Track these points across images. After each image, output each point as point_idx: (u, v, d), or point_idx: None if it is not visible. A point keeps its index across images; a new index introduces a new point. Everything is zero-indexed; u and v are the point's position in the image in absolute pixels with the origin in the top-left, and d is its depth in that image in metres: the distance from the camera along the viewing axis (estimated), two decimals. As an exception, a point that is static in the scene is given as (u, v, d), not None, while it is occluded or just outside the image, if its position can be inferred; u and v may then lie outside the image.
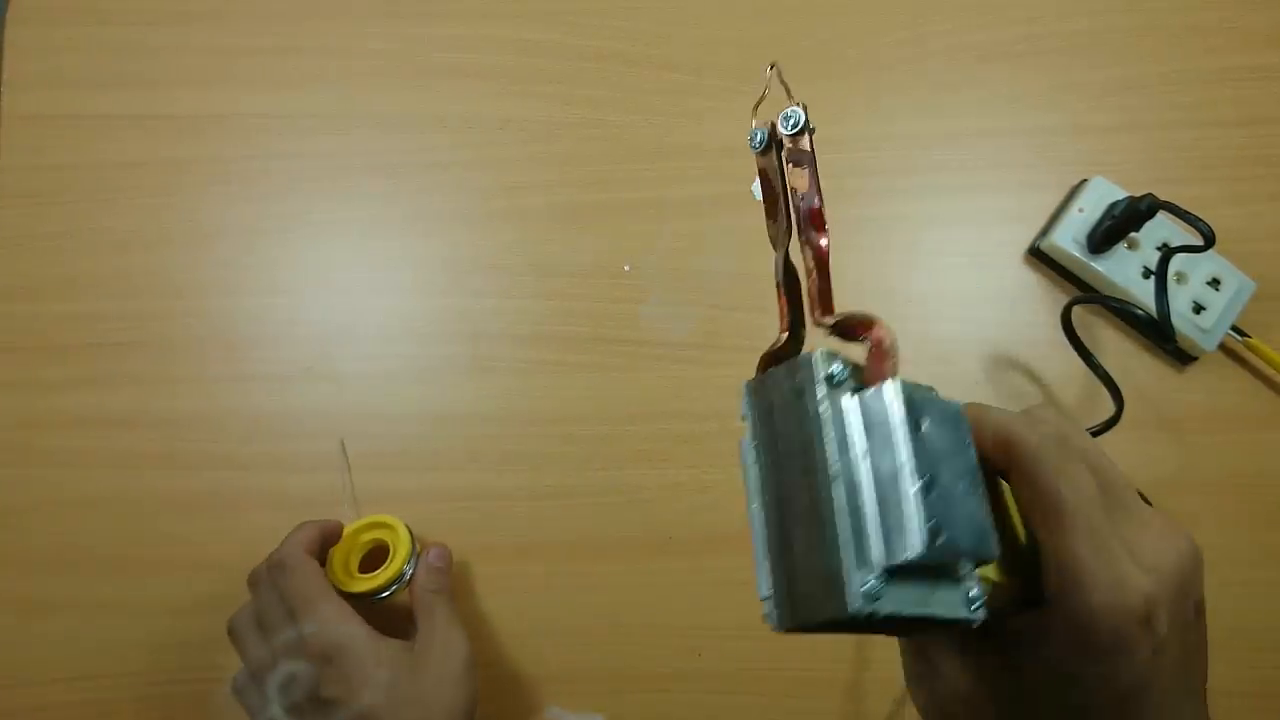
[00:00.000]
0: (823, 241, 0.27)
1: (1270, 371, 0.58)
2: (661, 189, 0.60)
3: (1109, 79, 0.62)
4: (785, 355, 0.27)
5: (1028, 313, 0.59)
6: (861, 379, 0.26)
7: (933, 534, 0.23)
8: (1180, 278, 0.58)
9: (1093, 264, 0.57)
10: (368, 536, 0.53)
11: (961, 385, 0.58)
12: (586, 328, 0.57)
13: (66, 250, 0.58)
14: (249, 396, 0.56)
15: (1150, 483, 0.57)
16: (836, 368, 0.25)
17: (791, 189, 0.28)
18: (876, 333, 0.26)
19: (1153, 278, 0.56)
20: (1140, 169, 0.60)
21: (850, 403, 0.25)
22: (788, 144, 0.28)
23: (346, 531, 0.52)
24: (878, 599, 0.23)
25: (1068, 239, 0.58)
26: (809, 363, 0.25)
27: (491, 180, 0.60)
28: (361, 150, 0.60)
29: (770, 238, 0.29)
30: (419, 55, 0.61)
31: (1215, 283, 0.58)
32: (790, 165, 0.28)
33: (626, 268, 0.58)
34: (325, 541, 0.51)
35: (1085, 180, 0.59)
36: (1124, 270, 0.57)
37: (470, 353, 0.57)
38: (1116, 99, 0.62)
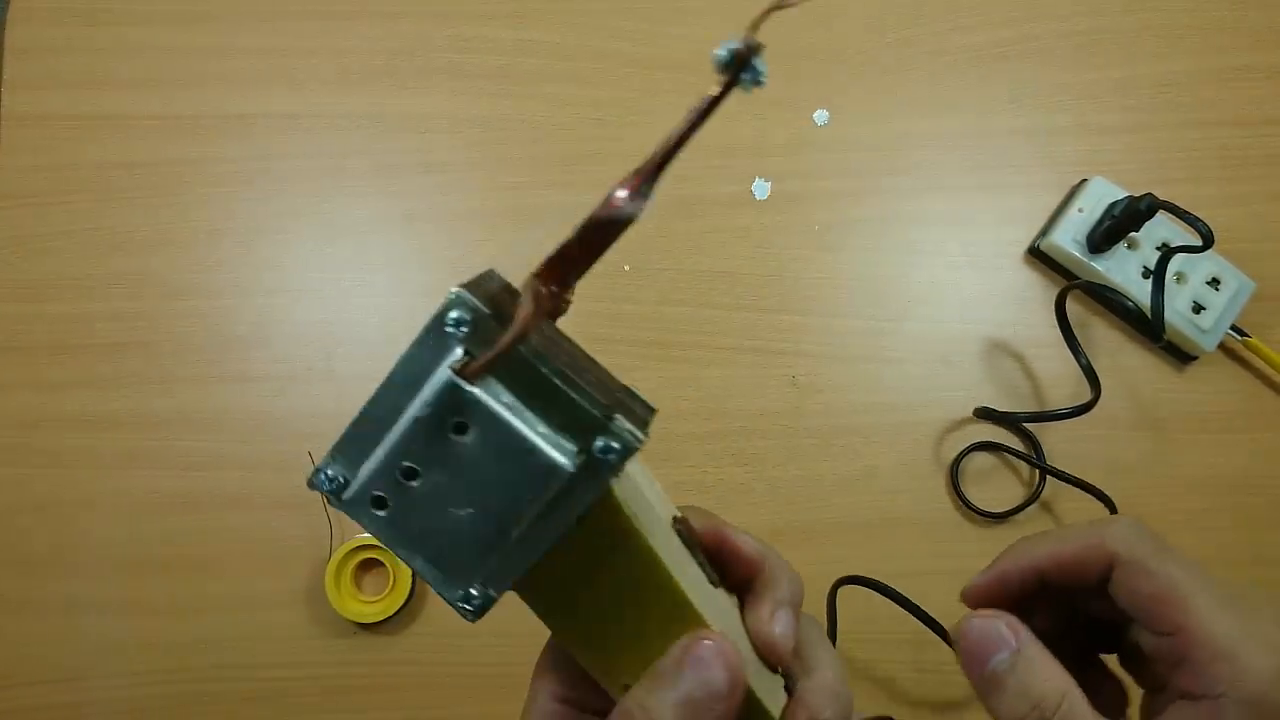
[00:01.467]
0: (615, 194, 0.23)
1: (1270, 371, 0.58)
2: (661, 189, 0.60)
3: (1109, 79, 0.62)
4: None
5: (1028, 313, 0.59)
6: (486, 341, 0.23)
7: (362, 490, 0.24)
8: (1180, 278, 0.58)
9: (1092, 264, 0.58)
10: (360, 556, 0.53)
11: (962, 386, 0.58)
12: (587, 328, 0.57)
13: (66, 250, 0.58)
14: (249, 396, 0.56)
15: (1150, 482, 0.57)
16: (457, 315, 0.23)
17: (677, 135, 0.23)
18: (519, 313, 0.23)
19: (1152, 277, 0.56)
20: (1140, 169, 0.60)
21: (445, 359, 0.23)
22: (721, 78, 0.23)
23: (339, 553, 0.53)
24: (325, 487, 0.24)
25: (1068, 239, 0.58)
26: (449, 297, 0.23)
27: (491, 180, 0.60)
28: (362, 150, 0.60)
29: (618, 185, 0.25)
30: (419, 55, 0.61)
31: (1215, 282, 0.58)
32: (693, 109, 0.23)
33: (626, 268, 0.58)
34: None
35: (1085, 180, 0.59)
36: (1124, 270, 0.58)
37: (470, 353, 0.57)
38: (1116, 99, 0.62)
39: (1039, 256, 0.60)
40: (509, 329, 0.22)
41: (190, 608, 0.54)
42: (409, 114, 0.60)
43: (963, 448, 0.57)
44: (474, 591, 0.25)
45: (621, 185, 0.23)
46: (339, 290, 0.58)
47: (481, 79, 0.61)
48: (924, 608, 0.50)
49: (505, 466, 0.23)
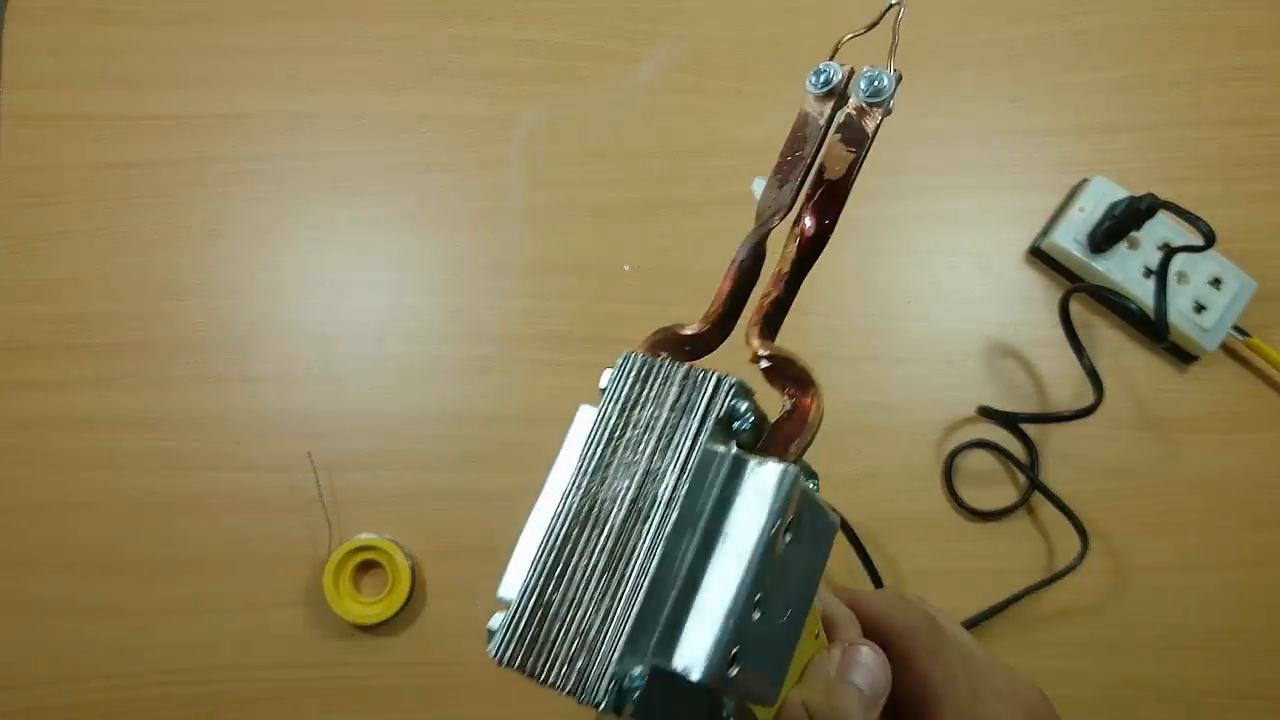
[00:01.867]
0: (816, 229, 0.20)
1: (1271, 371, 0.58)
2: (662, 189, 0.60)
3: (1109, 79, 0.62)
4: (688, 349, 0.22)
5: (1029, 312, 0.59)
6: (754, 440, 0.21)
7: (725, 662, 0.18)
8: (1182, 277, 0.58)
9: (1093, 263, 0.57)
10: (359, 557, 0.53)
11: (963, 386, 0.58)
12: (586, 328, 0.57)
13: (66, 250, 0.58)
14: (249, 396, 0.56)
15: (1151, 483, 0.57)
16: (743, 407, 0.20)
17: (823, 162, 0.21)
18: (806, 400, 0.20)
19: (1153, 277, 0.56)
20: (1140, 169, 0.60)
21: (727, 458, 0.20)
22: (853, 108, 0.21)
23: (338, 554, 0.53)
24: (625, 696, 0.18)
25: (1068, 238, 0.58)
26: (719, 385, 0.20)
27: (491, 180, 0.60)
28: (362, 150, 0.60)
29: (759, 207, 0.22)
30: (419, 55, 0.61)
31: (1216, 282, 0.58)
32: (838, 135, 0.21)
33: (626, 268, 0.58)
34: None
35: (1085, 180, 0.59)
36: (1125, 270, 0.57)
37: (469, 353, 0.57)
38: (1116, 99, 0.62)
39: (1040, 256, 0.59)
40: (811, 407, 0.20)
41: (190, 608, 0.54)
42: (409, 114, 0.60)
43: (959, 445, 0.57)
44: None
45: (823, 223, 0.20)
46: (339, 290, 0.58)
47: (482, 79, 0.61)
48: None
49: (816, 548, 0.21)
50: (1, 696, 0.53)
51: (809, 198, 0.21)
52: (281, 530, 0.54)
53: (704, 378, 0.20)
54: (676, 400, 0.20)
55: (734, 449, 0.20)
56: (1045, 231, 0.59)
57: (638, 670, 0.18)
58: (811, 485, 0.21)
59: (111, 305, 0.57)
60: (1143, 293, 0.57)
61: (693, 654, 0.18)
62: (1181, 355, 0.59)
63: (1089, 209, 0.58)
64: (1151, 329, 0.56)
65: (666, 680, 0.18)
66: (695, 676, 0.18)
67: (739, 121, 0.61)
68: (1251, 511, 0.57)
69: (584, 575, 0.19)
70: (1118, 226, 0.56)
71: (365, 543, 0.53)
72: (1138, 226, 0.56)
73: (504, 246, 0.59)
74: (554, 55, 0.61)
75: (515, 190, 0.59)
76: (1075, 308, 0.57)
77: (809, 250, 0.21)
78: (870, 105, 0.21)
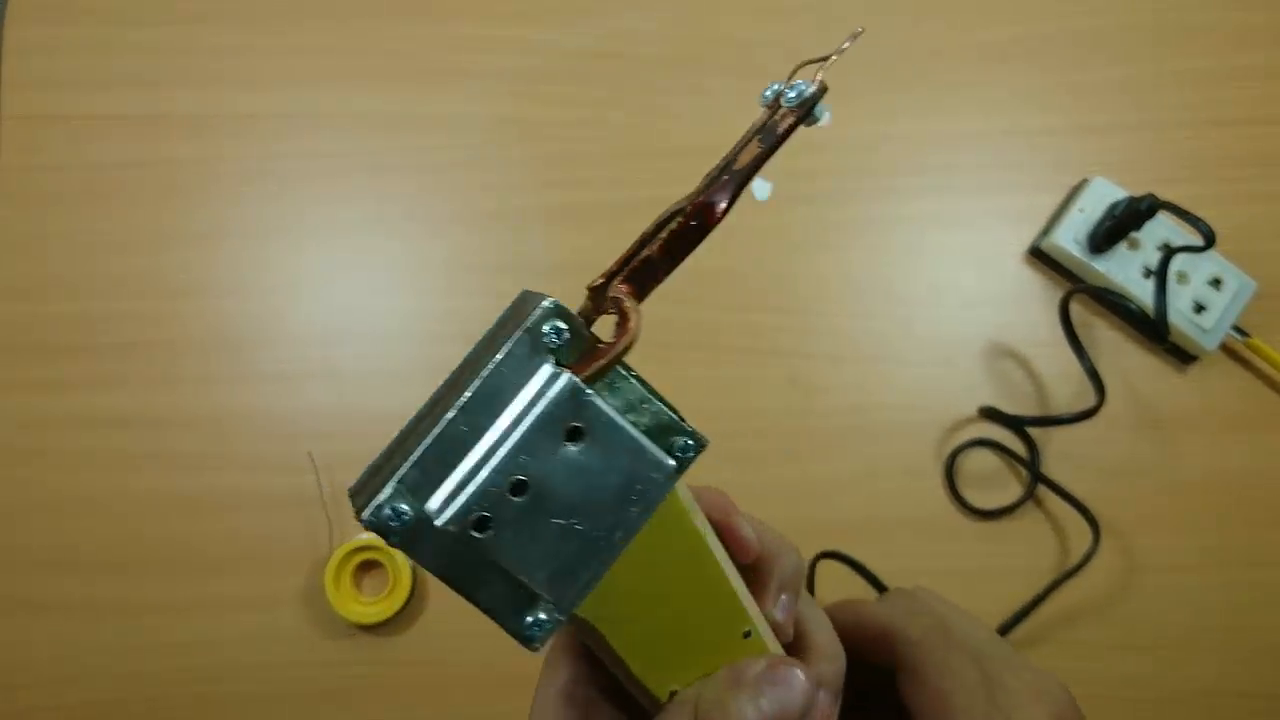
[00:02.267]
0: (701, 205, 0.23)
1: (1271, 371, 0.58)
2: (661, 189, 0.59)
3: (1109, 79, 0.62)
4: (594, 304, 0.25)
5: (1029, 313, 0.59)
6: (571, 358, 0.23)
7: (463, 513, 0.22)
8: (1181, 277, 0.58)
9: (1093, 264, 0.57)
10: (359, 557, 0.53)
11: (963, 386, 0.58)
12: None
13: (66, 250, 0.58)
14: (249, 396, 0.56)
15: (1151, 483, 0.57)
16: (553, 326, 0.23)
17: (736, 155, 0.24)
18: (619, 333, 0.23)
19: (1153, 277, 0.56)
20: (1140, 169, 0.60)
21: (541, 368, 0.23)
22: (773, 108, 0.25)
23: (339, 554, 0.53)
24: (384, 523, 0.21)
25: (1068, 239, 0.58)
26: (538, 305, 0.23)
27: (491, 180, 0.60)
28: (361, 150, 0.60)
29: (702, 184, 0.25)
30: (419, 55, 0.61)
31: (1216, 282, 0.58)
32: (759, 138, 0.24)
33: (627, 268, 0.58)
34: None
35: (1085, 180, 0.59)
36: (1125, 270, 0.57)
37: (470, 353, 0.57)
38: (1116, 99, 0.62)
39: (1040, 257, 0.60)
40: (624, 333, 0.22)
41: (190, 608, 0.54)
42: (409, 114, 0.60)
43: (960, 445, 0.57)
44: (543, 616, 0.23)
45: (710, 194, 0.23)
46: (339, 290, 0.58)
47: (482, 79, 0.61)
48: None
49: (612, 471, 0.23)
50: (3, 696, 0.53)
51: (711, 181, 0.24)
52: (282, 530, 0.54)
53: (537, 299, 0.23)
54: (513, 317, 0.24)
55: (547, 358, 0.23)
56: (1045, 232, 0.59)
57: (403, 506, 0.21)
58: (608, 407, 0.23)
59: (111, 305, 0.57)
60: (1143, 293, 0.57)
61: (437, 499, 0.22)
62: (1181, 355, 0.59)
63: (1089, 209, 0.58)
64: (1151, 329, 0.56)
65: (426, 522, 0.22)
66: (438, 521, 0.22)
67: (739, 121, 0.60)
68: (1251, 511, 0.57)
69: (404, 440, 0.23)
70: (1118, 227, 0.56)
71: (366, 542, 0.53)
72: (1138, 227, 0.56)
73: (504, 246, 0.59)
74: (554, 55, 0.61)
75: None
76: (1075, 308, 0.57)
77: (692, 225, 0.23)
78: (789, 110, 0.24)
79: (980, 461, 0.57)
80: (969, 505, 0.56)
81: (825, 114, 0.24)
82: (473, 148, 0.60)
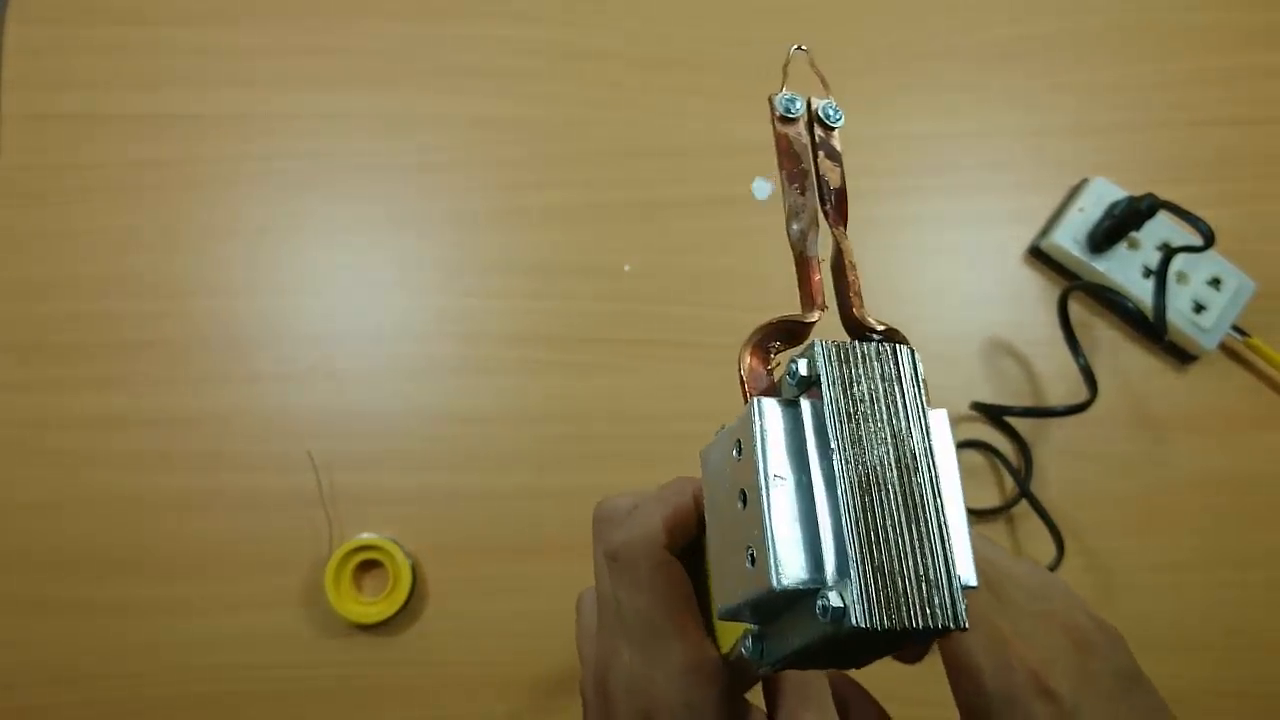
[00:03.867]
0: (846, 242, 0.26)
1: (1270, 371, 0.58)
2: (661, 189, 0.60)
3: (1109, 79, 0.62)
4: (807, 327, 0.27)
5: (1028, 312, 0.59)
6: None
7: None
8: (1181, 277, 0.58)
9: (1093, 263, 0.57)
10: (359, 557, 0.53)
11: (963, 385, 0.58)
12: (586, 328, 0.57)
13: (66, 250, 0.58)
14: (249, 396, 0.56)
15: (1151, 483, 0.57)
16: (922, 370, 0.24)
17: (823, 178, 0.27)
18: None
19: (1153, 277, 0.56)
20: (1140, 169, 0.60)
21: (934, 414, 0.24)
22: (821, 132, 0.28)
23: (339, 554, 0.53)
24: (961, 610, 0.21)
25: (1068, 238, 0.58)
26: (913, 358, 0.24)
27: (491, 180, 0.60)
28: (361, 150, 0.60)
29: (789, 211, 0.28)
30: (419, 55, 0.61)
31: (1216, 282, 0.58)
32: (824, 155, 0.27)
33: (626, 268, 0.58)
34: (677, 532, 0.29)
35: (1085, 180, 0.59)
36: (1124, 270, 0.58)
37: (469, 353, 0.57)
38: (1116, 99, 0.62)
39: (1039, 256, 0.60)
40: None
41: (190, 608, 0.54)
42: (409, 114, 0.60)
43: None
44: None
45: (845, 233, 0.27)
46: (339, 290, 0.58)
47: (481, 79, 0.61)
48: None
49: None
50: (1, 696, 0.53)
51: (828, 202, 0.27)
52: (282, 530, 0.54)
53: (892, 350, 0.24)
54: (883, 373, 0.24)
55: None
56: (1045, 231, 0.59)
57: (960, 590, 0.21)
58: None
59: (112, 305, 0.57)
60: (1142, 293, 0.57)
61: (967, 571, 0.22)
62: (1181, 355, 0.59)
63: (1089, 209, 0.58)
64: (1150, 329, 0.56)
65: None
66: (973, 582, 0.22)
67: (739, 121, 0.61)
68: (1249, 511, 0.57)
69: (895, 530, 0.22)
70: (1117, 227, 0.56)
71: (366, 542, 0.53)
72: (1137, 227, 0.56)
73: (504, 246, 0.59)
74: (554, 55, 0.61)
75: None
76: (1075, 308, 0.57)
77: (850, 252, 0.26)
78: (832, 129, 0.28)
79: (972, 459, 0.57)
80: (967, 507, 0.56)
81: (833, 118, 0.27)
82: (472, 148, 0.60)
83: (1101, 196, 0.58)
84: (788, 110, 0.28)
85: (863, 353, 0.25)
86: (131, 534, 0.54)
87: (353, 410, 0.56)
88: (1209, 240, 0.52)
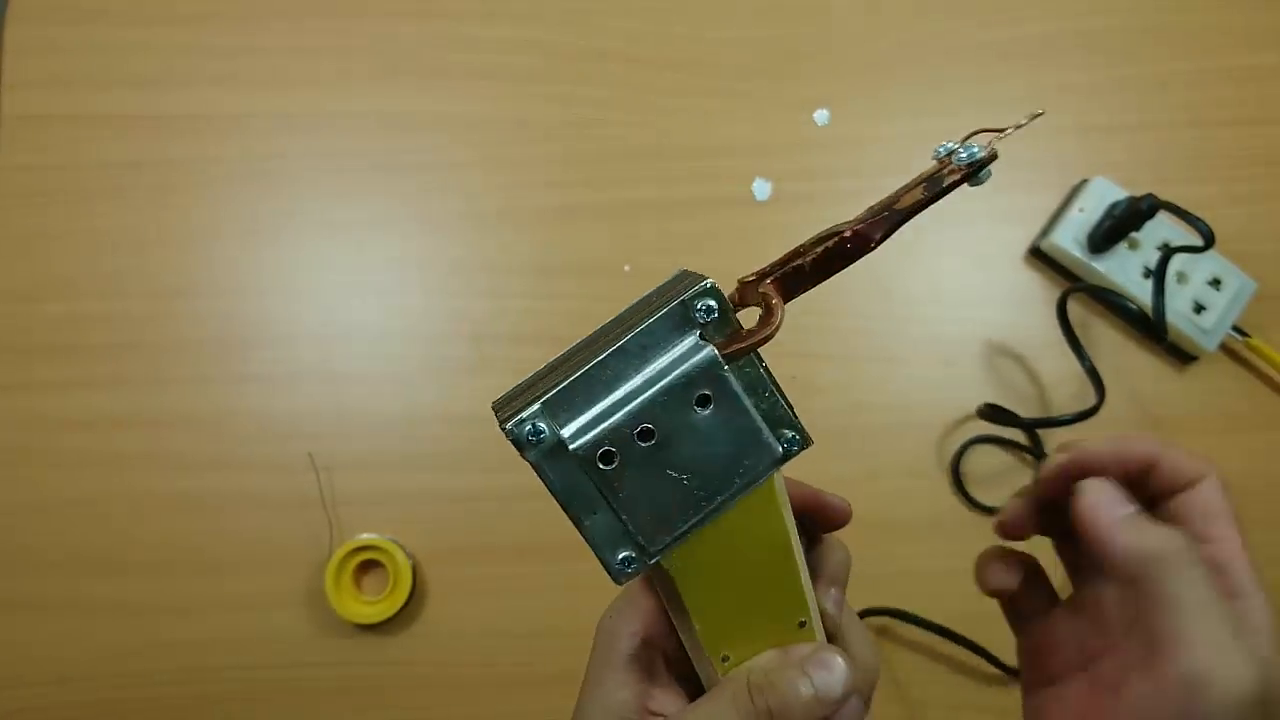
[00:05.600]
0: (860, 234, 0.27)
1: (1271, 371, 0.58)
2: (661, 189, 0.60)
3: (1109, 79, 0.62)
4: (747, 281, 0.28)
5: (1028, 313, 0.59)
6: (717, 335, 0.26)
7: (592, 446, 0.25)
8: (1181, 278, 0.58)
9: (1093, 264, 0.57)
10: (359, 557, 0.53)
11: (963, 385, 0.58)
12: (586, 328, 0.57)
13: (66, 250, 0.58)
14: (248, 396, 0.56)
15: (1150, 483, 0.57)
16: (705, 304, 0.25)
17: (900, 196, 0.28)
18: (766, 322, 0.25)
19: (1152, 277, 0.56)
20: (1140, 169, 0.60)
21: (685, 338, 0.25)
22: (944, 163, 0.29)
23: (339, 554, 0.53)
24: (523, 439, 0.24)
25: (1068, 239, 0.58)
26: (696, 283, 0.26)
27: (491, 180, 0.60)
28: (361, 150, 0.60)
29: (874, 208, 0.28)
30: (420, 55, 0.61)
31: (1216, 282, 0.58)
32: (921, 183, 0.28)
33: (626, 268, 0.58)
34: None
35: (1085, 180, 0.59)
36: (1124, 270, 0.57)
37: (470, 353, 0.57)
38: (1116, 99, 0.62)
39: (1039, 256, 0.60)
40: (767, 325, 0.25)
41: (190, 608, 0.54)
42: (409, 114, 0.60)
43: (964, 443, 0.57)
44: (633, 555, 0.26)
45: (870, 226, 0.27)
46: (339, 290, 0.58)
47: (481, 79, 0.61)
48: (939, 613, 0.51)
49: (727, 442, 0.26)
50: (2, 695, 0.53)
51: (874, 214, 0.28)
52: (282, 530, 0.55)
53: (693, 278, 0.26)
54: (670, 289, 0.27)
55: (694, 330, 0.26)
56: (1045, 232, 0.59)
57: (543, 425, 0.25)
58: (737, 385, 0.26)
59: (111, 305, 0.57)
60: (1142, 293, 0.57)
61: (573, 427, 0.25)
62: (1181, 355, 0.59)
63: (1089, 209, 0.58)
64: (1151, 329, 0.56)
65: (560, 445, 0.25)
66: (571, 445, 0.25)
67: (739, 121, 0.61)
68: (1249, 512, 0.57)
69: (551, 371, 0.26)
70: (1117, 227, 0.56)
71: (366, 542, 0.53)
72: (1137, 227, 0.56)
73: (504, 246, 0.59)
74: (554, 55, 0.61)
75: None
76: (1075, 308, 0.57)
77: (846, 248, 0.27)
78: (957, 167, 0.28)
79: (983, 460, 0.57)
80: (978, 504, 0.56)
81: (988, 176, 0.28)
82: (473, 148, 0.60)
83: (1101, 196, 0.58)
84: (936, 153, 0.30)
85: (684, 274, 0.28)
86: (132, 534, 0.54)
87: (353, 410, 0.56)
88: (1209, 240, 0.52)
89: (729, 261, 0.59)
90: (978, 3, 0.63)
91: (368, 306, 0.58)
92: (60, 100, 0.59)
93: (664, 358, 0.25)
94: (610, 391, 0.25)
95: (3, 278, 0.57)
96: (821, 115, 0.61)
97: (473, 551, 0.55)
